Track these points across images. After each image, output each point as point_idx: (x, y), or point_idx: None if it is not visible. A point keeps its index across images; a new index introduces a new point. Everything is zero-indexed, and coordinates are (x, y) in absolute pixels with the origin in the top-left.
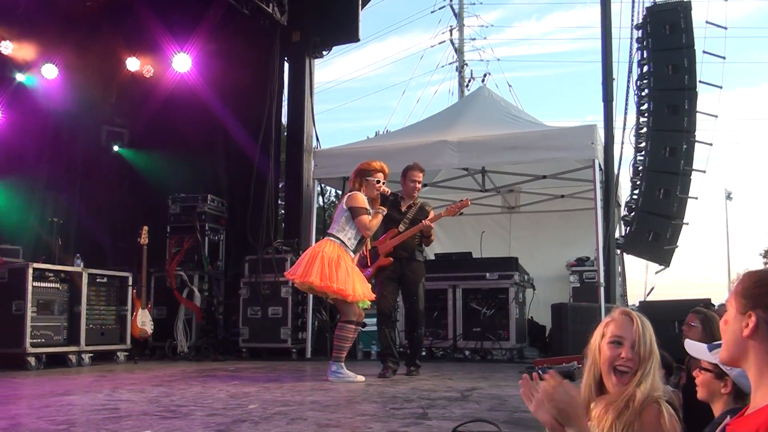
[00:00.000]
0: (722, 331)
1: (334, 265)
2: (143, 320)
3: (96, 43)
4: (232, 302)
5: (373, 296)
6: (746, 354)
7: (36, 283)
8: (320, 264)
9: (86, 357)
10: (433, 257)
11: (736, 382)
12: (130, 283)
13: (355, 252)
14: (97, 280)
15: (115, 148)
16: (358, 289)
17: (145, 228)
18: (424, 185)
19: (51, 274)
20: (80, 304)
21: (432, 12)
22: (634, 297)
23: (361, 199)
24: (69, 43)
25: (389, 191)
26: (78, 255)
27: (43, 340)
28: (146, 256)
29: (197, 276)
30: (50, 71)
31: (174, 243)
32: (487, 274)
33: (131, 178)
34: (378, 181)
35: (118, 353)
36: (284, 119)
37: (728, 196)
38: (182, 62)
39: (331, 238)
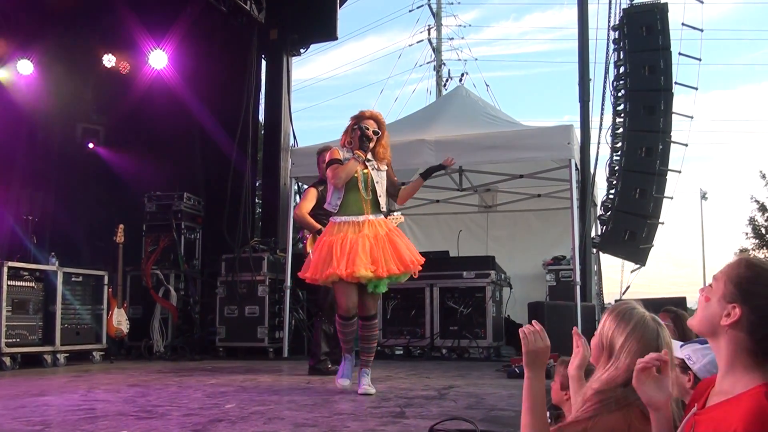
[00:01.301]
0: (701, 304)
1: (319, 248)
2: (119, 319)
3: (72, 39)
4: (208, 301)
5: (392, 271)
6: (717, 336)
7: (11, 282)
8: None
9: (62, 357)
10: None
11: (699, 376)
12: (106, 281)
13: (360, 212)
14: (73, 279)
15: (91, 145)
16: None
17: (121, 226)
18: (402, 183)
19: (26, 273)
20: (55, 304)
21: (410, 11)
22: (610, 295)
23: (335, 151)
24: (45, 39)
25: (371, 134)
26: (53, 254)
27: (18, 340)
28: (122, 255)
29: (173, 275)
30: (26, 67)
31: (150, 241)
32: (464, 273)
33: (107, 176)
34: (356, 127)
35: (94, 353)
36: (261, 117)
37: (703, 196)
38: (159, 59)
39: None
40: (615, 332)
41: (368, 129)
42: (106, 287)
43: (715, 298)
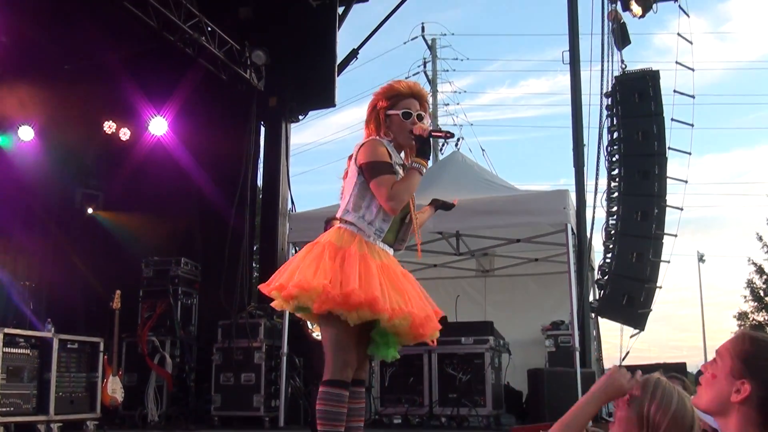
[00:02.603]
0: (706, 382)
1: (339, 260)
2: (114, 387)
3: (73, 105)
4: (204, 368)
5: (438, 327)
6: (727, 414)
7: (6, 349)
8: (314, 260)
9: (55, 427)
10: None
11: None
12: (102, 348)
13: (389, 242)
14: (68, 346)
15: (90, 210)
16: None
17: (118, 292)
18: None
19: (21, 340)
20: (50, 371)
21: (406, 78)
22: (610, 361)
23: (380, 147)
24: (46, 105)
25: (428, 128)
26: (49, 320)
27: (12, 409)
28: (118, 321)
29: (169, 341)
30: (27, 133)
31: (146, 307)
32: (463, 339)
33: (105, 241)
34: (407, 113)
35: (88, 422)
36: (260, 182)
37: (701, 259)
38: (159, 126)
39: (341, 225)
40: (659, 414)
41: (420, 117)
42: (101, 354)
43: (722, 374)
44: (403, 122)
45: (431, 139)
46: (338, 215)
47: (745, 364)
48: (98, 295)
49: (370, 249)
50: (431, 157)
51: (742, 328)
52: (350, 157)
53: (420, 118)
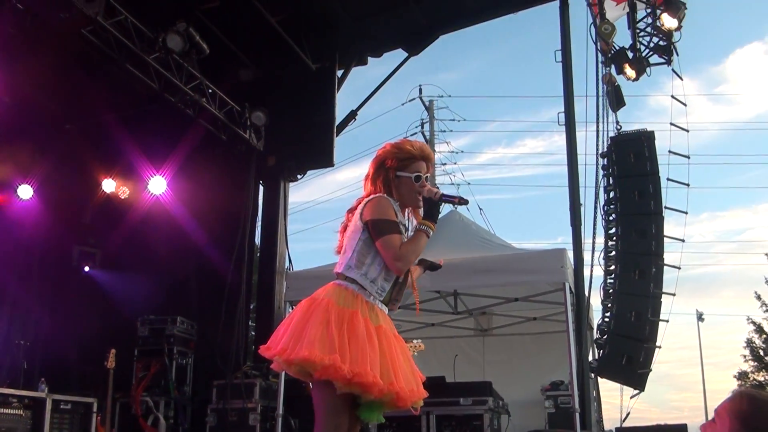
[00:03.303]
0: None
1: (346, 328)
2: None
3: (72, 163)
4: (198, 430)
5: (423, 394)
6: None
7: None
8: (320, 326)
9: None
10: None
11: None
12: (95, 409)
13: (387, 303)
14: (61, 407)
15: (86, 268)
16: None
17: (113, 351)
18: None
19: (15, 400)
20: None
21: (404, 138)
22: (611, 422)
23: (389, 206)
24: (45, 164)
25: (439, 192)
26: (43, 380)
27: None
28: (112, 381)
29: (163, 402)
30: (25, 192)
31: (141, 367)
32: (461, 400)
33: (101, 299)
34: (419, 177)
35: None
36: (258, 240)
37: (700, 318)
38: (158, 185)
39: (341, 282)
40: None
41: (427, 179)
42: (94, 415)
43: None
44: (414, 185)
45: (441, 203)
46: (338, 270)
47: (743, 424)
48: (93, 354)
49: (370, 310)
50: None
51: (740, 387)
52: (350, 211)
53: (426, 180)
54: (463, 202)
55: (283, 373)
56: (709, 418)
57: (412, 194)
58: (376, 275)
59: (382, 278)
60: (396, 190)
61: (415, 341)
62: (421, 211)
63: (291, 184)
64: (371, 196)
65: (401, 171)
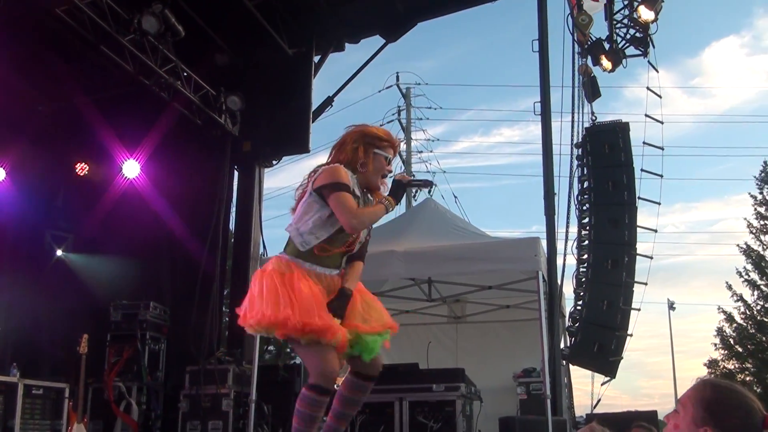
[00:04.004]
0: None
1: (288, 287)
2: None
3: (45, 146)
4: (170, 416)
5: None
6: None
7: None
8: (267, 290)
9: None
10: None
11: None
12: (67, 395)
13: (334, 266)
14: (33, 392)
15: (59, 252)
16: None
17: (85, 336)
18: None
19: None
20: (14, 418)
21: (381, 125)
22: (581, 408)
23: (341, 171)
24: (17, 146)
25: (407, 177)
26: (14, 365)
27: None
28: (85, 366)
29: (136, 387)
30: None
31: (113, 352)
32: (434, 386)
33: (74, 284)
34: (389, 159)
35: None
36: (232, 226)
37: (671, 307)
38: (131, 169)
39: (280, 254)
40: None
41: (416, 179)
42: (66, 401)
43: (684, 423)
44: (384, 165)
45: (408, 186)
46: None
47: (707, 412)
48: (65, 339)
49: (307, 275)
50: (404, 203)
51: (704, 375)
52: (300, 187)
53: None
54: (428, 184)
55: (257, 359)
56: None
57: (379, 173)
58: (305, 228)
59: (310, 233)
60: (369, 165)
61: None
62: (382, 192)
63: (266, 170)
64: (327, 165)
65: (379, 149)
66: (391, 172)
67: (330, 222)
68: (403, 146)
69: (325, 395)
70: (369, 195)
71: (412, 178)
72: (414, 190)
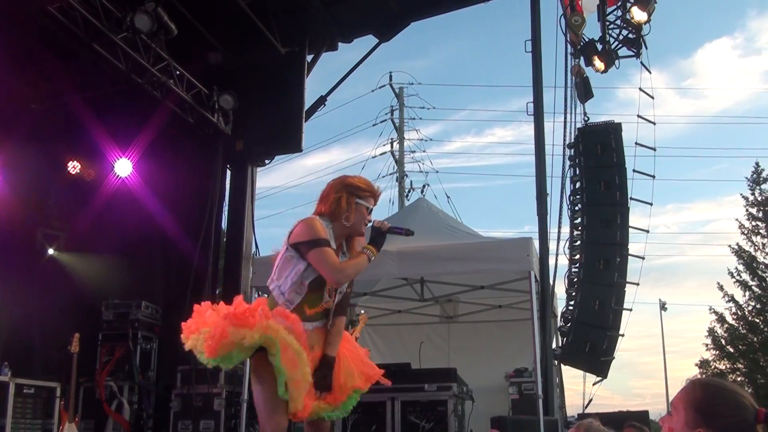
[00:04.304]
0: None
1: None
2: None
3: (37, 144)
4: (162, 415)
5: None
6: None
7: None
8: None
9: None
10: None
11: None
12: (58, 394)
13: (315, 320)
14: (24, 391)
15: (50, 251)
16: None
17: (77, 335)
18: (363, 294)
19: None
20: (6, 417)
21: (374, 125)
22: (573, 408)
23: (318, 226)
24: (9, 144)
25: (388, 224)
26: (6, 363)
27: None
28: (76, 365)
29: (127, 387)
30: None
31: (105, 351)
32: (426, 386)
33: (65, 283)
34: (370, 209)
35: None
36: (224, 225)
37: (663, 307)
38: (124, 167)
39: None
40: None
41: (397, 227)
42: (58, 400)
43: (678, 426)
44: (365, 215)
45: (387, 233)
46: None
47: (699, 413)
48: (57, 338)
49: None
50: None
51: (694, 376)
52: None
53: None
54: (409, 233)
55: (249, 359)
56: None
57: (361, 222)
58: (286, 288)
59: (292, 291)
60: (350, 216)
61: (361, 311)
62: (362, 240)
63: (258, 169)
64: (301, 219)
65: (360, 199)
66: (370, 221)
67: (305, 275)
68: (396, 146)
69: None
70: (345, 246)
71: (391, 225)
72: (407, 190)
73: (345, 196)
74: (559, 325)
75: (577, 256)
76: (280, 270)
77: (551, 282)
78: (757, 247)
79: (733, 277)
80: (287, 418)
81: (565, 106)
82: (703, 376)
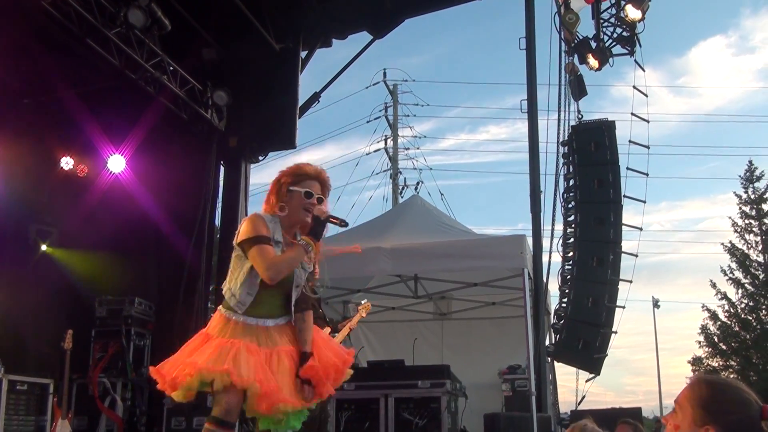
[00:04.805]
0: None
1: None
2: None
3: (31, 139)
4: (155, 412)
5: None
6: None
7: None
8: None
9: None
10: (365, 365)
11: None
12: (51, 391)
13: (274, 315)
14: (17, 387)
15: (43, 247)
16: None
17: (70, 332)
18: (357, 291)
19: None
20: None
21: (368, 122)
22: (566, 405)
23: (257, 222)
24: (1, 140)
25: (327, 213)
26: None
27: None
28: (69, 362)
29: (120, 383)
30: None
31: (98, 348)
32: (419, 383)
33: (58, 279)
34: (309, 193)
35: None
36: (218, 221)
37: (656, 305)
38: (117, 163)
39: (219, 309)
40: None
41: (321, 201)
42: (51, 396)
43: (685, 424)
44: (303, 200)
45: (327, 222)
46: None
47: (705, 411)
48: (50, 334)
49: (244, 330)
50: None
51: (696, 372)
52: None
53: (320, 201)
54: (344, 224)
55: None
56: (664, 402)
57: (300, 210)
58: (236, 289)
59: (243, 292)
60: (287, 205)
61: (363, 301)
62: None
63: (252, 166)
64: (244, 217)
65: (294, 186)
66: (314, 204)
67: (254, 273)
68: (390, 143)
69: (228, 429)
70: (298, 238)
71: (330, 215)
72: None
73: (276, 188)
74: (552, 322)
75: (571, 254)
76: (231, 271)
77: (545, 279)
78: (749, 245)
79: (726, 274)
80: (240, 401)
81: (559, 103)
82: (699, 374)
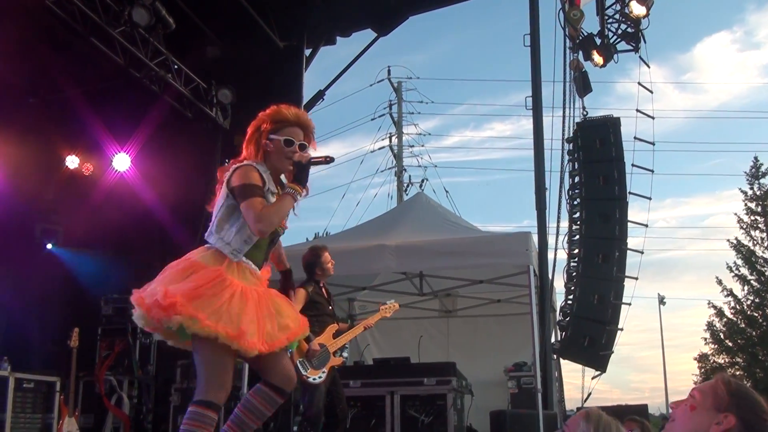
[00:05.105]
0: (684, 414)
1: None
2: (69, 429)
3: (36, 138)
4: (162, 410)
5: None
6: None
7: None
8: (176, 275)
9: None
10: (371, 362)
11: None
12: (58, 388)
13: (258, 262)
14: (24, 386)
15: (49, 245)
16: (251, 328)
17: (76, 330)
18: (362, 288)
19: None
20: (5, 412)
21: (372, 119)
22: (572, 402)
23: (253, 172)
24: (6, 139)
25: (308, 155)
26: (5, 358)
27: None
28: (76, 360)
29: (127, 381)
30: None
31: (105, 346)
32: (425, 380)
33: (64, 277)
34: (289, 141)
35: None
36: None
37: (662, 301)
38: (122, 162)
39: (208, 245)
40: None
41: (304, 147)
42: (57, 394)
43: (706, 405)
44: (284, 148)
45: (310, 166)
46: (205, 235)
47: (732, 398)
48: (56, 333)
49: (239, 270)
50: (307, 184)
51: (702, 369)
52: (222, 170)
53: (303, 147)
54: (329, 160)
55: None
56: (671, 399)
57: (281, 158)
58: (231, 238)
59: (240, 240)
60: (268, 154)
61: (389, 302)
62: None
63: None
64: (238, 164)
65: (273, 134)
66: (296, 152)
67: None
68: (395, 140)
69: (214, 411)
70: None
71: (312, 156)
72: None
73: (256, 137)
74: (558, 319)
75: (576, 251)
76: (221, 221)
77: (550, 276)
78: (755, 242)
79: (731, 271)
80: (231, 378)
81: (564, 100)
82: (702, 370)
